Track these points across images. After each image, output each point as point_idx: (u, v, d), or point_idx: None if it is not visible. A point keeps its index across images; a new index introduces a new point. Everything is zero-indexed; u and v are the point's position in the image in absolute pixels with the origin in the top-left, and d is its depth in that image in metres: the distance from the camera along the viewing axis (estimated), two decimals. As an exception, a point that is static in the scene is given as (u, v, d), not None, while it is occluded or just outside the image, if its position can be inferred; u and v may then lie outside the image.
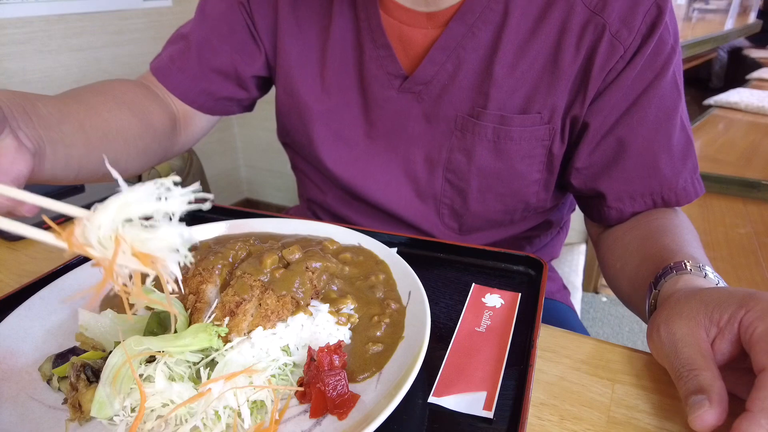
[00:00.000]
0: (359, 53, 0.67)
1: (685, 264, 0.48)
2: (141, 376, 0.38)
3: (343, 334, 0.44)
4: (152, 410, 0.37)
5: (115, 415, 0.36)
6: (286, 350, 0.42)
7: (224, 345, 0.40)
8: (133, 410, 0.37)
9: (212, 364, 0.40)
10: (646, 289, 0.51)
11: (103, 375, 0.37)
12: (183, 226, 0.30)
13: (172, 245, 0.30)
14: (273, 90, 0.80)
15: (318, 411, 0.37)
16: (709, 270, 0.48)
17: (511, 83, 0.60)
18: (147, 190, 0.29)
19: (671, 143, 0.60)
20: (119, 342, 0.39)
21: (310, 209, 0.84)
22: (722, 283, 0.47)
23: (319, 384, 0.37)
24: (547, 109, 0.61)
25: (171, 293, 0.32)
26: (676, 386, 0.38)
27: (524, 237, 0.77)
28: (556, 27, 0.58)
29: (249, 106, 0.81)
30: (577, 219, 1.71)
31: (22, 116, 0.47)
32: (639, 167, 0.61)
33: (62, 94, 0.60)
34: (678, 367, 0.38)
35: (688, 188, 0.62)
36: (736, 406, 0.35)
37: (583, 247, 1.44)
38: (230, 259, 0.49)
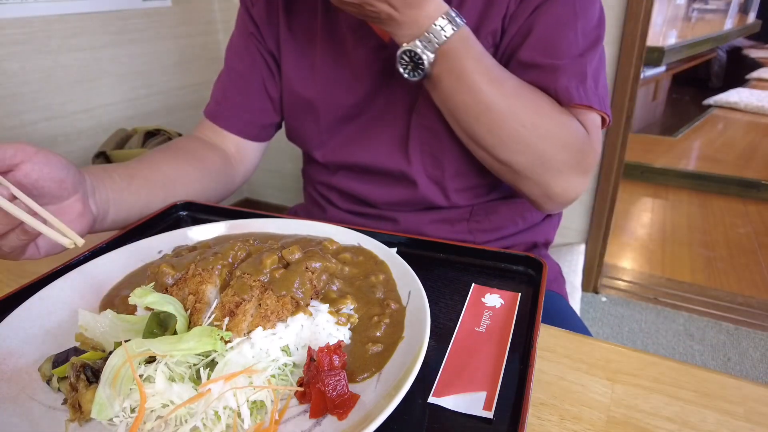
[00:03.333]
0: (343, 41, 0.75)
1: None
2: (141, 376, 0.38)
3: (343, 334, 0.44)
4: (152, 411, 0.37)
5: (115, 416, 0.37)
6: (285, 350, 0.42)
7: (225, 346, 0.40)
8: (132, 411, 0.37)
9: (212, 365, 0.40)
10: None
11: (103, 376, 0.37)
12: None
13: None
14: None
15: (318, 411, 0.37)
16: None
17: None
18: None
19: (556, 49, 0.65)
20: (119, 342, 0.39)
21: (317, 191, 0.90)
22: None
23: (319, 384, 0.37)
24: (491, 35, 0.68)
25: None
26: None
27: (515, 203, 0.81)
28: None
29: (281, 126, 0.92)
30: (577, 219, 1.73)
31: (99, 183, 0.63)
32: (519, 66, 0.67)
33: (136, 159, 0.75)
34: None
35: (570, 90, 0.65)
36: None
37: (582, 247, 1.44)
38: (230, 260, 0.49)
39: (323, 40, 0.78)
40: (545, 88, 0.66)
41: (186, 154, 0.80)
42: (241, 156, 0.87)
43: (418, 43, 0.61)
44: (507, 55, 0.69)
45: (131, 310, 0.47)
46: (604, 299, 1.98)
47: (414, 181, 0.76)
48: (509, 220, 0.81)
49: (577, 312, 0.94)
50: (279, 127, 0.91)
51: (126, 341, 0.39)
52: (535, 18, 0.66)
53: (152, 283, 0.47)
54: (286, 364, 0.41)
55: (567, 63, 0.65)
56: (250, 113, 0.85)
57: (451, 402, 0.40)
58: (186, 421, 0.36)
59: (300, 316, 0.44)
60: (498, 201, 0.81)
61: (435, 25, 0.60)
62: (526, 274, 0.57)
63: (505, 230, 0.82)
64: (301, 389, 0.39)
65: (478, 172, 0.75)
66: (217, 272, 0.47)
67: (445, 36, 0.60)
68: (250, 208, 0.70)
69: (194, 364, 0.40)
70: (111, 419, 0.37)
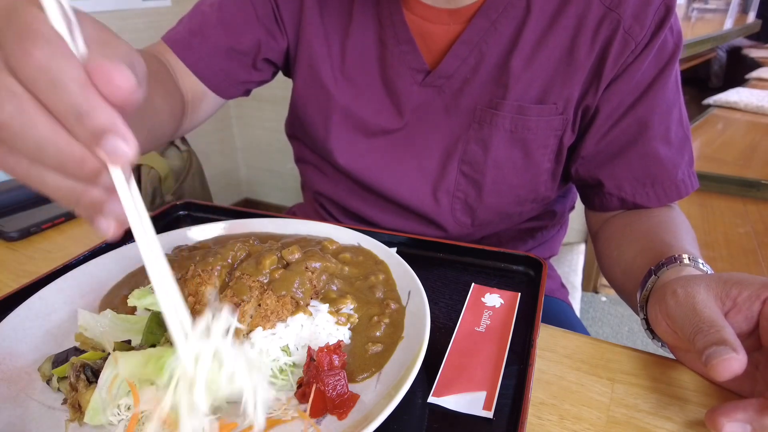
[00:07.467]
0: (381, 50, 0.69)
1: (690, 259, 0.50)
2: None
3: (343, 334, 0.44)
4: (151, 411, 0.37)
5: (113, 416, 0.36)
6: (285, 350, 0.42)
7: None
8: (129, 409, 0.37)
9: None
10: (641, 276, 0.52)
11: (101, 381, 0.37)
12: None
13: None
14: (270, 93, 0.79)
15: (317, 411, 0.37)
16: (709, 269, 0.49)
17: (529, 75, 0.63)
18: None
19: (669, 135, 0.63)
20: (120, 342, 0.39)
21: (317, 201, 0.83)
22: None
23: (319, 384, 0.37)
24: (562, 100, 0.63)
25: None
26: (690, 342, 0.38)
27: (529, 229, 0.78)
28: (573, 22, 0.61)
29: (249, 92, 0.79)
30: (576, 219, 1.72)
31: None
32: (640, 156, 0.63)
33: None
34: (697, 322, 0.39)
35: (686, 181, 0.65)
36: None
37: (582, 247, 1.44)
38: (229, 260, 0.49)
39: (354, 46, 0.69)
40: (665, 183, 0.64)
41: (165, 84, 0.63)
42: (195, 105, 0.72)
43: None
44: (607, 127, 0.64)
45: (131, 310, 0.47)
46: (604, 299, 1.98)
47: (440, 224, 0.72)
48: (521, 239, 0.79)
49: (577, 312, 0.94)
50: (247, 92, 0.78)
51: (125, 341, 0.39)
52: (646, 105, 0.62)
53: (151, 284, 0.47)
54: (286, 364, 0.41)
55: (681, 153, 0.64)
56: (227, 61, 0.71)
57: (451, 402, 0.40)
58: (186, 421, 0.36)
59: (300, 316, 0.44)
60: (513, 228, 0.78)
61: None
62: (526, 273, 0.57)
63: (514, 248, 0.80)
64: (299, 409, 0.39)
65: (507, 218, 0.73)
66: (216, 273, 0.47)
67: None
68: (250, 208, 0.70)
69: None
70: (104, 425, 0.36)
